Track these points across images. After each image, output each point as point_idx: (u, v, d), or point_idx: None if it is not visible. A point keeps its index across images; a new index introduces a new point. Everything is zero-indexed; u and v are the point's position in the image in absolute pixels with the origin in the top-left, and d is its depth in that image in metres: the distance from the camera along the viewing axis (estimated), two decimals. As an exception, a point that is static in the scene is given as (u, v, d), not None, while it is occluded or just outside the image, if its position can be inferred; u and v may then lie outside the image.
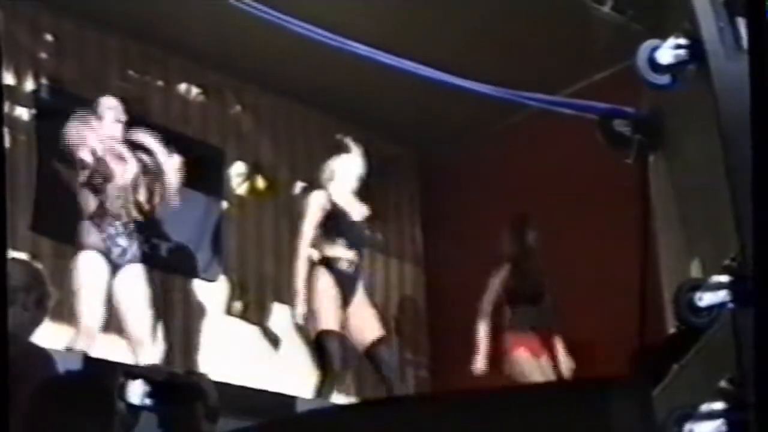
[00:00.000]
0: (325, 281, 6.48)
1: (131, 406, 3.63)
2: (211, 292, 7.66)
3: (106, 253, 6.09)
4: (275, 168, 8.25)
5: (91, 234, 6.11)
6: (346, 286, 6.53)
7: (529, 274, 7.28)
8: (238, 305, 7.81)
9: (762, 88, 2.27)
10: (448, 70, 6.14)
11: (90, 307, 5.88)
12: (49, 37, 7.17)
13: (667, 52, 3.19)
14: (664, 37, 3.22)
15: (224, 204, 7.92)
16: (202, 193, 7.50)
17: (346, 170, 6.73)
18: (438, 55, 6.26)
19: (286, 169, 8.30)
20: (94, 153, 6.19)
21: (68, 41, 7.26)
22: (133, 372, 3.76)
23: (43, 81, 6.95)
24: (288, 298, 7.72)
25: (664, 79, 3.19)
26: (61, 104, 6.74)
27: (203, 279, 7.61)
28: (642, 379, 3.88)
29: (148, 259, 6.54)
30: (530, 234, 7.32)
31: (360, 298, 6.58)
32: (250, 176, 8.10)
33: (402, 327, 8.59)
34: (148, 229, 6.58)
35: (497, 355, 7.14)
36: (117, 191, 6.21)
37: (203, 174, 7.22)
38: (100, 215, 6.15)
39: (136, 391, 3.64)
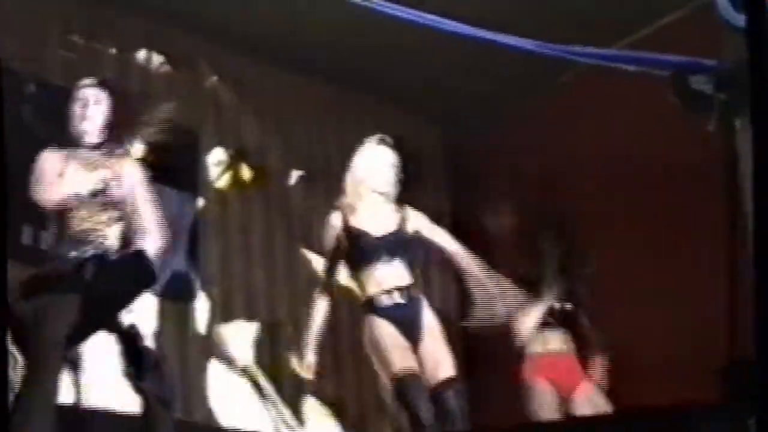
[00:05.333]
0: (384, 329, 5.47)
1: None
2: (188, 315, 7.03)
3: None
4: (263, 153, 7.75)
5: None
6: (407, 324, 5.53)
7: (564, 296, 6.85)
8: (221, 329, 7.23)
9: (762, 88, 2.54)
10: (480, 25, 5.47)
11: None
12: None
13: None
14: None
15: (200, 201, 7.37)
16: (171, 188, 6.78)
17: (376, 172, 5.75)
18: (469, 8, 5.70)
19: (277, 154, 7.81)
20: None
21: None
22: None
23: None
24: (284, 318, 7.44)
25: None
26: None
27: (177, 299, 6.95)
28: (735, 405, 4.11)
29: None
30: (579, 260, 6.85)
31: (426, 329, 5.58)
32: (232, 165, 7.60)
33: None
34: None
35: (518, 382, 6.74)
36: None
37: (172, 164, 6.04)
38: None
39: None
